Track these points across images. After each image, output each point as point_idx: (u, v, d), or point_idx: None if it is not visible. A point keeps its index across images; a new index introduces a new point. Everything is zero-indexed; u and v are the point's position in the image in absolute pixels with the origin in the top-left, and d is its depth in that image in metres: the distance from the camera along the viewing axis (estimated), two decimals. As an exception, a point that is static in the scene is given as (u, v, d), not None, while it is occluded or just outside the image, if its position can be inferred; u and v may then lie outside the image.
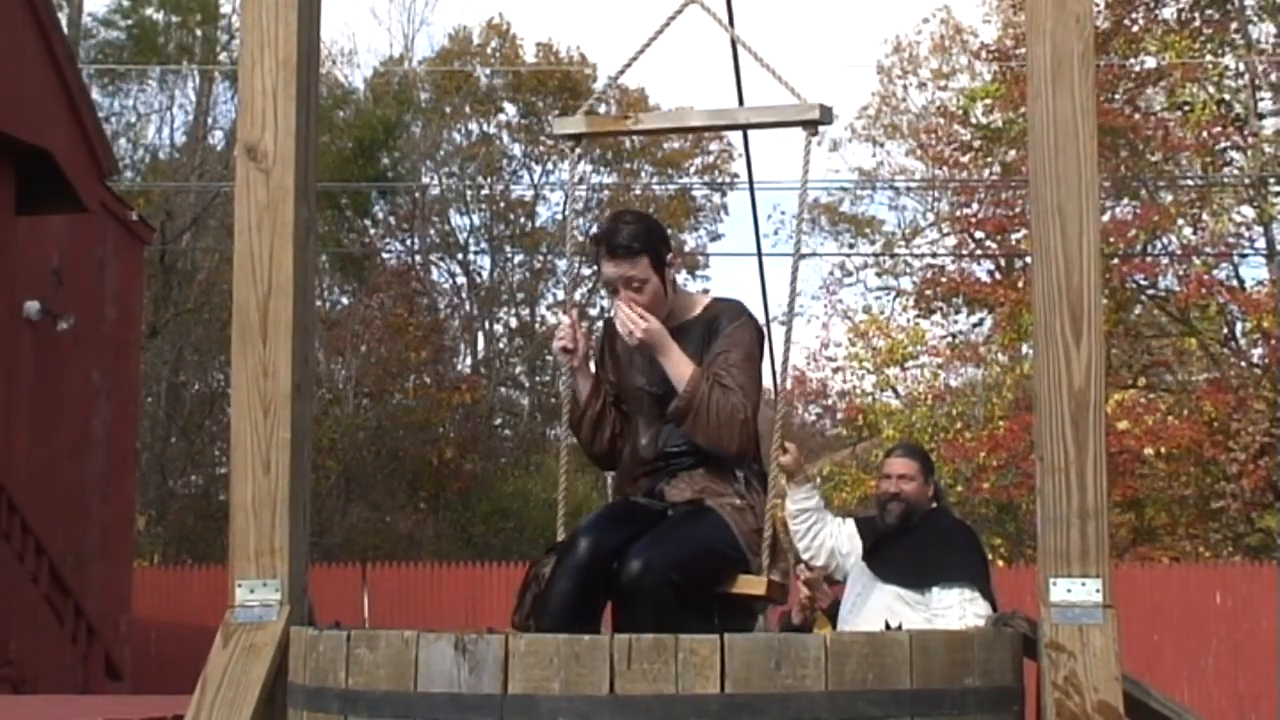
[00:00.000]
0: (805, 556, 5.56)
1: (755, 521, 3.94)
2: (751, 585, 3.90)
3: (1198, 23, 22.27)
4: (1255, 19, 22.33)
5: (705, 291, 4.36)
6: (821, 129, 4.04)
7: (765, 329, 4.13)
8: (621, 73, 4.32)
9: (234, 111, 26.16)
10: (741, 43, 4.23)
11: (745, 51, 4.17)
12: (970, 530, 5.64)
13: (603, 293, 30.52)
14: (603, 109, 30.87)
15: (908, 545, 5.23)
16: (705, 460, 3.98)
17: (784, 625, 6.29)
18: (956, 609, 4.98)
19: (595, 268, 4.14)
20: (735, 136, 27.69)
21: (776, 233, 27.83)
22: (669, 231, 4.27)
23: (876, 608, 5.05)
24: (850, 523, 5.56)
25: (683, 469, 4.00)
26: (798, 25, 39.14)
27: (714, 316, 4.03)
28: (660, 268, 3.97)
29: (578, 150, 4.34)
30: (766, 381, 4.29)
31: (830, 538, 5.48)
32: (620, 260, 3.94)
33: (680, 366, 3.91)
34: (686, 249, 31.12)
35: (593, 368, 4.22)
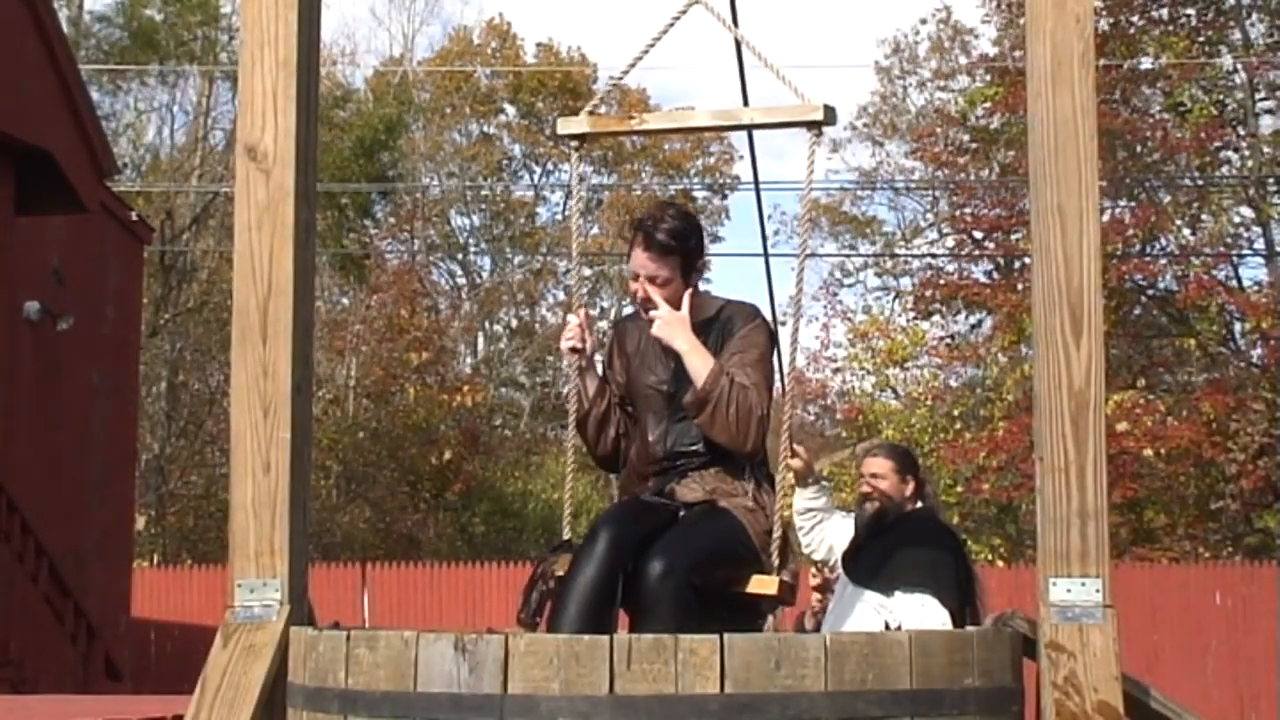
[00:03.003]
0: (806, 550, 5.63)
1: (766, 523, 3.97)
2: (764, 585, 3.94)
3: (1194, 22, 22.25)
4: (1249, 17, 22.30)
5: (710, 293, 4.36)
6: (825, 129, 4.04)
7: (775, 331, 4.16)
8: (625, 73, 4.33)
9: (234, 111, 26.15)
10: (746, 43, 4.21)
11: (749, 51, 4.14)
12: (949, 534, 5.48)
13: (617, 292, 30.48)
14: (604, 109, 30.90)
15: (880, 548, 5.16)
16: (717, 460, 3.99)
17: (797, 628, 6.30)
18: (912, 617, 4.90)
19: (627, 251, 4.13)
20: (737, 139, 27.69)
21: (777, 233, 27.89)
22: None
23: (850, 612, 5.02)
24: (851, 520, 5.58)
25: (694, 468, 4.01)
26: (797, 25, 39.17)
27: (729, 319, 4.05)
28: (687, 272, 4.00)
29: (580, 150, 4.36)
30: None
31: (831, 534, 5.60)
32: (652, 254, 3.97)
33: (701, 358, 3.92)
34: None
35: (599, 369, 4.23)
